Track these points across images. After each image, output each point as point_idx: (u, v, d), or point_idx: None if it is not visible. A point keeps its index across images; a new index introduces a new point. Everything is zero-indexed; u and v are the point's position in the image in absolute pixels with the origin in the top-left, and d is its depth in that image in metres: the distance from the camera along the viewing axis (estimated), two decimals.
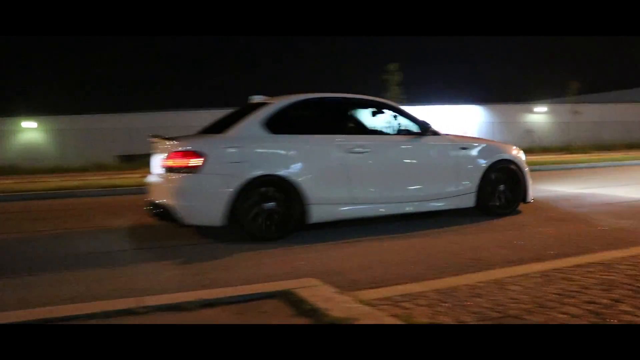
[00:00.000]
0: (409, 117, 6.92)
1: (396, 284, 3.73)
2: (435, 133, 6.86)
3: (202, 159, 5.56)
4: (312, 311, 3.02)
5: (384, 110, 6.96)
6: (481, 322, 2.82)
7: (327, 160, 6.16)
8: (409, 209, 6.58)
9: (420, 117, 6.96)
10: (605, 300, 3.10)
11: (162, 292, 3.71)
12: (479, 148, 7.08)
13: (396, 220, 6.74)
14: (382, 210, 6.43)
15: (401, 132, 6.94)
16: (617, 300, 3.10)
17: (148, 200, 6.34)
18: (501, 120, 38.98)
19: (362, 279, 4.12)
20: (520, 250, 5.01)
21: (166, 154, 5.79)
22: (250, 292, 3.43)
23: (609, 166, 17.74)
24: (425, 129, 6.81)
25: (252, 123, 6.01)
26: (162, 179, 5.87)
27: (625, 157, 20.83)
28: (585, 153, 26.96)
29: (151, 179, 6.39)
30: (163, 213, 5.79)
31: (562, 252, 4.75)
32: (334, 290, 3.39)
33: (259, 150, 5.89)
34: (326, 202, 6.06)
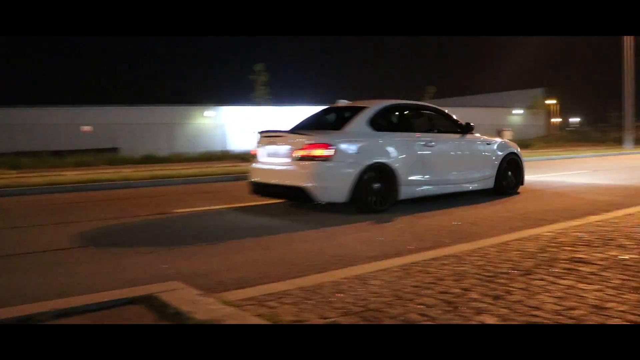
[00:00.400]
0: (454, 120, 8.91)
1: (262, 284, 3.73)
2: (472, 133, 8.82)
3: (333, 150, 6.95)
4: (176, 315, 2.94)
5: (440, 114, 8.93)
6: (344, 317, 2.90)
7: (411, 151, 7.78)
8: (457, 189, 8.48)
9: (462, 120, 8.92)
10: (456, 290, 3.32)
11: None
12: (497, 144, 9.18)
13: (261, 218, 6.77)
14: (445, 189, 8.31)
15: (451, 131, 8.76)
16: (467, 289, 3.33)
17: (260, 182, 7.83)
18: None
19: (229, 279, 4.09)
20: (381, 246, 5.22)
21: (297, 146, 7.12)
22: (110, 299, 3.26)
23: None
24: (467, 130, 8.76)
25: (361, 122, 7.55)
26: (292, 166, 7.17)
27: None
28: None
29: (263, 166, 7.80)
30: (294, 193, 7.23)
31: (420, 246, 5.03)
32: (199, 293, 3.32)
33: (369, 143, 7.42)
34: (410, 183, 7.70)
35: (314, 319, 2.88)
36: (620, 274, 3.62)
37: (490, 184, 8.93)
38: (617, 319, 2.76)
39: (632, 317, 2.78)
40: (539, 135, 49.72)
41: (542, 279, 3.53)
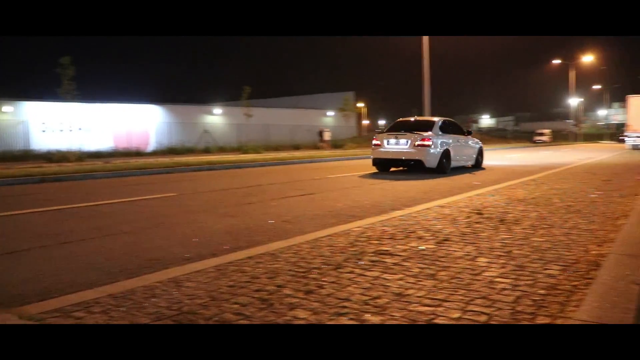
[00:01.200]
0: (462, 128, 16.50)
1: (68, 293, 3.49)
2: (471, 135, 16.69)
3: (432, 142, 13.81)
4: None
5: (457, 125, 16.21)
6: (157, 322, 2.81)
7: (454, 144, 14.79)
8: (463, 164, 15.92)
9: (465, 128, 17.17)
10: (271, 287, 3.39)
11: None
12: (476, 142, 17.06)
13: (82, 223, 6.33)
14: (461, 164, 15.61)
15: (462, 133, 16.08)
16: (281, 286, 3.41)
17: (387, 158, 14.57)
18: (179, 120, 39.54)
19: (29, 291, 3.76)
20: (197, 247, 5.15)
21: (414, 139, 13.91)
22: None
23: (279, 164, 19.44)
24: (469, 134, 16.54)
25: (437, 127, 14.45)
26: (413, 150, 13.94)
27: (290, 157, 23.09)
28: (258, 153, 29.09)
29: (387, 149, 14.48)
30: (415, 164, 14.03)
31: (236, 246, 5.04)
32: None
33: (441, 139, 14.24)
34: (453, 160, 14.61)
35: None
36: (419, 263, 3.96)
37: (473, 162, 16.71)
38: (415, 304, 3.01)
39: (428, 301, 3.05)
40: (351, 136, 52.61)
41: (351, 272, 3.74)
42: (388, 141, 14.47)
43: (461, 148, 15.55)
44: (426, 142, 13.84)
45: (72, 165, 18.45)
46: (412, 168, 14.46)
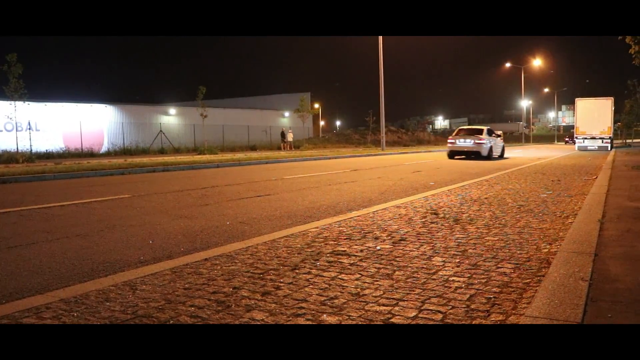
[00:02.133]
0: (493, 131, 26.08)
1: (17, 299, 3.39)
2: (499, 136, 26.65)
3: (484, 140, 24.04)
4: None
5: (492, 130, 26.02)
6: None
7: (493, 142, 24.94)
8: (495, 155, 25.12)
9: (495, 131, 27.33)
10: (227, 289, 3.36)
11: None
12: (501, 140, 26.89)
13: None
14: (495, 155, 25.11)
15: (494, 135, 25.76)
16: (237, 288, 3.39)
17: (458, 150, 24.47)
18: (134, 121, 38.84)
19: None
20: (152, 249, 5.06)
21: (475, 139, 23.98)
22: None
23: (235, 165, 19.31)
24: (498, 135, 26.28)
25: (486, 132, 24.63)
26: (474, 145, 23.82)
27: (247, 158, 22.98)
28: (214, 154, 28.83)
29: (457, 145, 24.35)
30: (474, 154, 23.84)
31: (192, 248, 4.98)
32: None
33: (489, 139, 24.49)
34: (492, 152, 24.67)
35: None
36: (375, 263, 3.99)
37: (499, 154, 25.61)
38: (372, 304, 3.03)
39: (385, 301, 3.08)
40: (308, 137, 52.69)
41: (308, 273, 3.74)
42: (458, 140, 24.10)
43: (496, 145, 24.90)
44: (482, 141, 23.55)
45: (20, 167, 17.94)
46: (470, 156, 23.75)
